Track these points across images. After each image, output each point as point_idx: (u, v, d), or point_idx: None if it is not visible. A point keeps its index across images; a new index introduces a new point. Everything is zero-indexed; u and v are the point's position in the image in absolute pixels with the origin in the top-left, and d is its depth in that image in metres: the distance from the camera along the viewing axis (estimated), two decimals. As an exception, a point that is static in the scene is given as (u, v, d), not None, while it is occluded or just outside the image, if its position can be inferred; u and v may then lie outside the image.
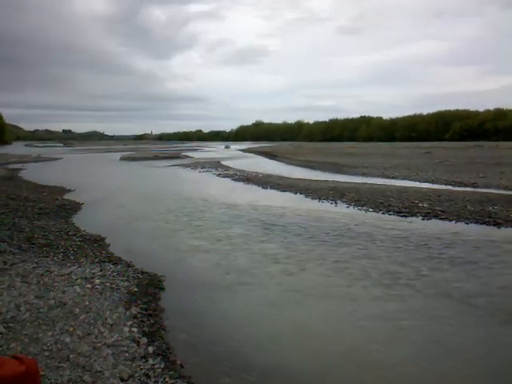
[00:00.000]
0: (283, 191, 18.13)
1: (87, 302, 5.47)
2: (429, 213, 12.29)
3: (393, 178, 23.29)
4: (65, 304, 5.34)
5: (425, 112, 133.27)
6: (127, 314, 5.29)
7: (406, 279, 7.00)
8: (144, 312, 5.51)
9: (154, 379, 3.95)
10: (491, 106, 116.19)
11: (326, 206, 14.25)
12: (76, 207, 13.94)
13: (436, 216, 11.97)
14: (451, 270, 7.45)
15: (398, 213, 12.55)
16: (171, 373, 4.11)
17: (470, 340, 5.05)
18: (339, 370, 4.49)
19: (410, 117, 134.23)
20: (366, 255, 8.37)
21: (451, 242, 9.23)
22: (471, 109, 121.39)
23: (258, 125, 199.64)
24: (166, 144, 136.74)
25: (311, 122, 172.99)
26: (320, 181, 21.28)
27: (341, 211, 13.26)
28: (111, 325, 4.93)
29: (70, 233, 9.79)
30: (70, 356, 4.14)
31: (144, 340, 4.67)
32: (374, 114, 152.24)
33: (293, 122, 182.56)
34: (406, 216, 12.18)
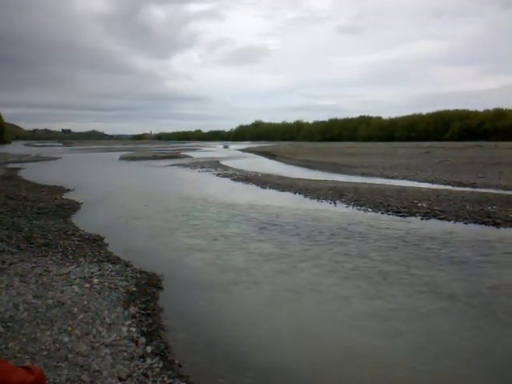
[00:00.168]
0: (282, 191, 18.13)
1: (86, 302, 5.47)
2: (428, 213, 12.30)
3: (392, 177, 23.30)
4: (63, 303, 5.34)
5: (424, 112, 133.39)
6: (126, 314, 5.30)
7: (404, 279, 7.01)
8: (142, 311, 5.51)
9: (152, 379, 3.95)
10: (491, 106, 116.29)
11: (325, 206, 14.26)
12: (75, 207, 13.93)
13: (435, 216, 11.98)
14: (449, 270, 7.45)
15: (397, 213, 12.56)
16: (169, 372, 4.12)
17: (469, 339, 5.06)
18: (337, 369, 4.50)
19: (409, 117, 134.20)
20: (365, 255, 8.37)
21: (450, 242, 9.24)
22: (471, 109, 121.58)
23: (257, 125, 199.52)
24: (165, 144, 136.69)
25: (311, 121, 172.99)
26: (319, 180, 21.29)
27: (340, 211, 13.26)
28: (109, 324, 4.93)
29: (68, 232, 9.78)
30: (69, 355, 4.14)
31: (142, 339, 4.67)
32: (374, 114, 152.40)
33: (292, 122, 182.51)
34: (405, 216, 12.18)
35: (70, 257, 7.72)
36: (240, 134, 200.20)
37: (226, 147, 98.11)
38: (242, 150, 73.80)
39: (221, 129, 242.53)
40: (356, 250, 8.72)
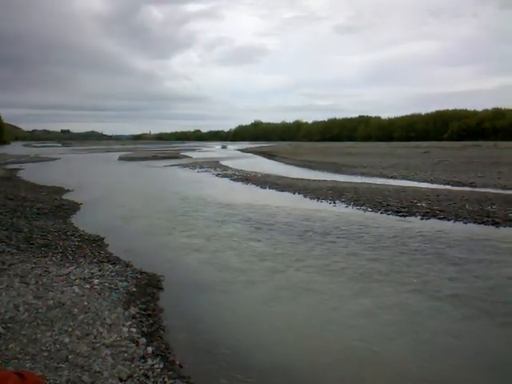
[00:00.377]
0: (282, 191, 18.14)
1: (86, 303, 5.47)
2: (427, 212, 12.31)
3: (391, 177, 23.32)
4: (63, 304, 5.34)
5: (423, 112, 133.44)
6: (126, 314, 5.29)
7: (403, 279, 7.01)
8: (143, 312, 5.51)
9: (152, 379, 3.95)
10: (490, 106, 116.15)
11: (324, 206, 14.26)
12: (74, 207, 13.92)
13: (434, 215, 11.99)
14: (449, 270, 7.45)
15: (397, 212, 12.57)
16: (170, 373, 4.12)
17: (469, 339, 5.06)
18: (337, 368, 4.50)
19: (408, 116, 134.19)
20: (365, 255, 8.38)
21: (450, 242, 9.24)
22: (469, 108, 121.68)
23: (256, 125, 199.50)
24: (164, 144, 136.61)
25: (310, 121, 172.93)
26: (319, 180, 21.29)
27: (339, 211, 13.27)
28: (110, 325, 4.92)
29: (68, 233, 9.77)
30: (69, 356, 4.14)
31: (143, 340, 4.67)
32: (373, 114, 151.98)
33: (291, 122, 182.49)
34: (404, 216, 12.19)
35: (70, 257, 7.71)
36: (239, 134, 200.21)
37: (224, 147, 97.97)
38: (242, 150, 73.80)
39: (220, 129, 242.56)
40: (356, 250, 8.72)
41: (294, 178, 22.76)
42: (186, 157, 50.93)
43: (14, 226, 9.89)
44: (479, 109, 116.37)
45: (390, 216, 12.25)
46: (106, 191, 18.74)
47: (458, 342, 4.98)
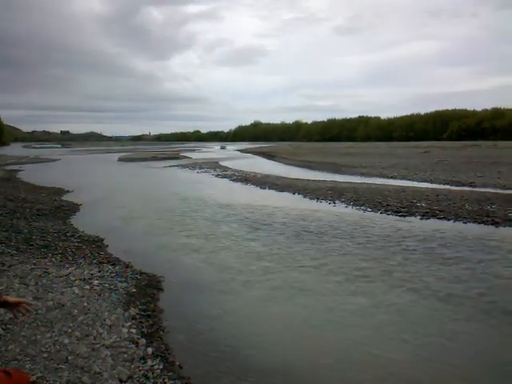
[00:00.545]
0: (281, 191, 18.14)
1: (86, 304, 5.46)
2: (427, 212, 12.31)
3: (391, 177, 23.33)
4: (63, 305, 5.33)
5: (423, 112, 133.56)
6: (126, 315, 5.29)
7: (403, 279, 7.01)
8: (143, 313, 5.50)
9: (152, 380, 3.94)
10: (489, 106, 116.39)
11: (324, 206, 14.26)
12: (74, 208, 13.92)
13: (434, 215, 11.99)
14: (449, 269, 7.45)
15: (397, 212, 12.57)
16: (170, 374, 4.11)
17: (469, 339, 5.05)
18: (337, 368, 4.49)
19: (407, 116, 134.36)
20: (364, 254, 8.38)
21: (449, 242, 9.24)
22: (469, 108, 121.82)
23: (256, 125, 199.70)
24: (164, 145, 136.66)
25: (309, 122, 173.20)
26: (318, 181, 21.30)
27: (339, 211, 13.26)
28: (110, 326, 4.92)
29: (68, 234, 9.77)
30: (69, 357, 4.13)
31: (143, 341, 4.66)
32: (372, 114, 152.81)
33: (291, 122, 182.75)
34: (404, 216, 12.19)
35: (70, 258, 7.71)
36: (239, 135, 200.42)
37: (223, 148, 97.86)
38: (241, 151, 73.81)
39: (220, 129, 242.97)
40: (353, 250, 8.72)
41: (293, 179, 22.76)
42: (186, 157, 50.94)
43: (14, 227, 9.89)
44: (479, 109, 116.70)
45: (390, 216, 12.25)
46: (105, 192, 18.74)
47: (457, 342, 4.97)
